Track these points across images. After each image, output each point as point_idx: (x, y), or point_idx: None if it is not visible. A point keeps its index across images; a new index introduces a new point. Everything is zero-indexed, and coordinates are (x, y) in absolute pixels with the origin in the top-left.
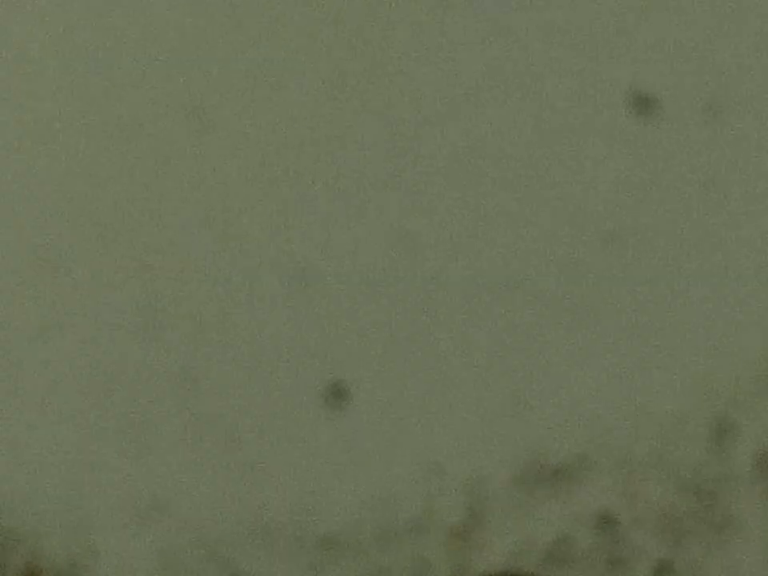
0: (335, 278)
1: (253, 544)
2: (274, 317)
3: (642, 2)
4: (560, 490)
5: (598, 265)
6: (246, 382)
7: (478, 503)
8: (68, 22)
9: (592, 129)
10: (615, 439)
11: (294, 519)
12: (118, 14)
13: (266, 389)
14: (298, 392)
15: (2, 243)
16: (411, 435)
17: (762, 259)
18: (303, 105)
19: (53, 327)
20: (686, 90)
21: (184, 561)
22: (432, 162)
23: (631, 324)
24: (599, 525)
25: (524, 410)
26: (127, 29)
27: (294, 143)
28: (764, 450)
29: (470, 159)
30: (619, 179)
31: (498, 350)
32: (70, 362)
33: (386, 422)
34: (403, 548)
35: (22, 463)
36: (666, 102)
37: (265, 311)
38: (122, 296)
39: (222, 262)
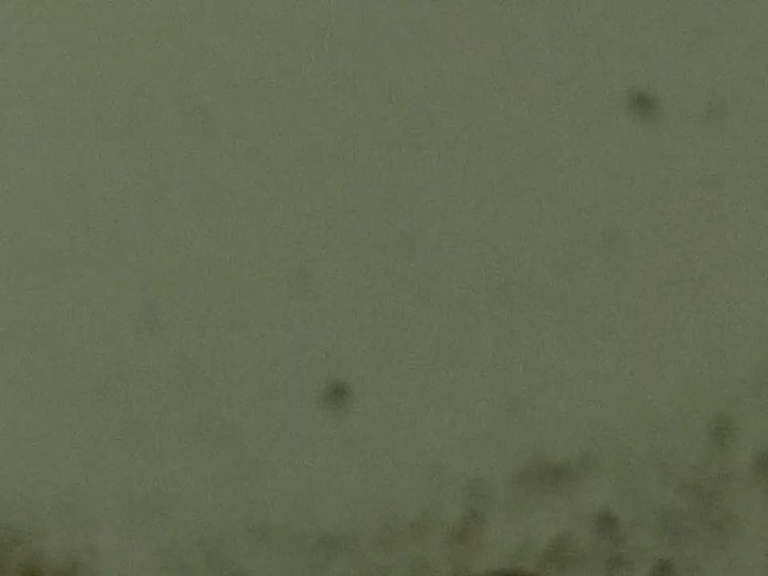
0: (335, 278)
1: (253, 544)
2: (275, 317)
3: (641, 2)
4: (560, 490)
5: (597, 265)
6: (246, 382)
7: (478, 503)
8: (67, 21)
9: (592, 129)
10: (615, 439)
11: (294, 519)
12: (116, 13)
13: (266, 389)
14: (297, 392)
15: (1, 242)
16: (411, 435)
17: (762, 259)
18: (303, 104)
19: (53, 326)
20: (686, 90)
21: (184, 561)
22: (431, 162)
23: (631, 324)
24: (599, 525)
25: (524, 409)
26: (126, 28)
27: (294, 142)
28: (764, 449)
29: (470, 159)
30: (619, 179)
31: (498, 350)
32: (69, 361)
33: (386, 422)
34: (403, 548)
35: (21, 463)
36: (665, 102)
37: (265, 311)
38: (122, 295)
39: (221, 261)
